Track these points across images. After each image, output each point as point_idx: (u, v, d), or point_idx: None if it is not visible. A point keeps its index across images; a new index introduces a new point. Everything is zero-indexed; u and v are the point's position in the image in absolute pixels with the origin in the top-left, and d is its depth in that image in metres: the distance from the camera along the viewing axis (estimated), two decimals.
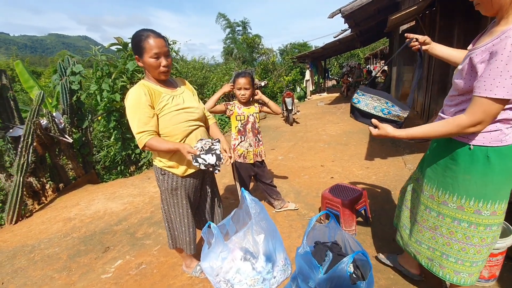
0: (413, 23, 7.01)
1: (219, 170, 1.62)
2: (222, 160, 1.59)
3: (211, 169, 1.59)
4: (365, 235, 2.27)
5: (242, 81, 2.34)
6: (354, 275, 1.47)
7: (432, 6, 5.05)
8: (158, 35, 1.55)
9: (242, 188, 1.87)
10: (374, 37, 14.14)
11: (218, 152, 1.59)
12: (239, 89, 2.35)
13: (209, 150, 1.58)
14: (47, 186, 4.08)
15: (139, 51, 1.55)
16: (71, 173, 4.93)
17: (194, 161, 1.55)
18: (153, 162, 1.76)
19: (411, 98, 1.43)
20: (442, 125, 1.14)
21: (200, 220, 2.02)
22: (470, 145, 1.13)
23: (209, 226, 1.71)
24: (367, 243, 2.17)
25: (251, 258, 1.77)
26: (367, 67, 22.31)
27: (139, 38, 1.53)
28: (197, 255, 2.04)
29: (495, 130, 1.09)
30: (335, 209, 2.27)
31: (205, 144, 1.62)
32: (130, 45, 5.77)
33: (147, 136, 1.55)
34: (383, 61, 21.93)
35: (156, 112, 1.61)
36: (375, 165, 3.83)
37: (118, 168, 6.59)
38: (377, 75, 15.25)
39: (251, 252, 1.79)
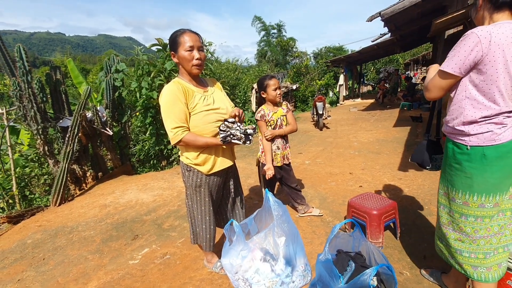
0: (460, 27, 6.51)
1: (250, 141, 1.68)
2: (251, 131, 1.67)
3: (247, 141, 1.66)
4: (393, 249, 2.16)
5: (274, 81, 2.39)
6: None
7: None
8: (193, 31, 1.65)
9: (266, 189, 1.88)
10: (416, 42, 13.36)
11: (240, 126, 1.67)
12: (275, 89, 2.39)
13: (232, 129, 1.66)
14: (88, 173, 4.42)
15: (175, 46, 1.63)
16: (109, 163, 5.30)
17: (236, 139, 1.63)
18: (180, 158, 1.83)
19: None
20: (429, 77, 1.41)
21: (221, 219, 2.05)
22: (467, 146, 1.29)
23: (231, 224, 1.74)
24: (394, 258, 2.06)
25: (271, 260, 1.77)
26: (406, 73, 21.09)
27: (175, 35, 1.63)
28: (218, 252, 2.09)
29: (487, 132, 1.24)
30: (361, 219, 2.18)
31: (225, 129, 1.67)
32: (167, 45, 6.10)
33: (183, 131, 1.61)
34: (425, 67, 20.63)
35: (189, 111, 1.67)
36: (409, 176, 3.62)
37: (151, 162, 6.96)
38: (417, 82, 14.43)
39: (271, 253, 1.79)
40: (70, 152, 3.79)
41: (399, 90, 13.76)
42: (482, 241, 1.33)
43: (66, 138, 3.81)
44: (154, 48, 6.38)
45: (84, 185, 4.35)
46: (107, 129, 4.70)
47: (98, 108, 4.64)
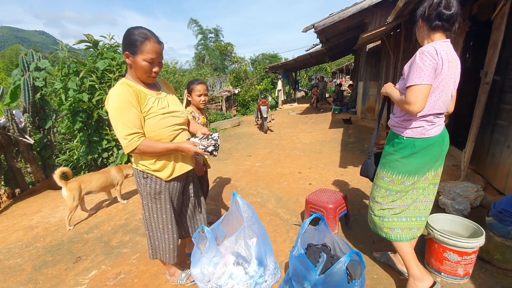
0: (379, 42, 7.61)
1: (215, 155, 1.65)
2: (218, 142, 1.66)
3: (211, 153, 1.62)
4: (347, 238, 2.38)
5: (202, 87, 2.31)
6: (347, 275, 1.53)
7: (398, 28, 5.55)
8: (159, 41, 1.50)
9: (234, 192, 1.87)
10: (342, 53, 15.04)
11: (216, 137, 1.67)
12: (200, 95, 2.31)
13: (207, 138, 1.66)
14: (2, 191, 3.66)
15: (133, 49, 1.46)
16: (29, 177, 4.49)
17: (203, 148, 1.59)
18: (133, 166, 1.68)
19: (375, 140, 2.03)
20: (399, 96, 1.56)
21: (182, 227, 1.94)
22: (403, 136, 1.59)
23: (201, 231, 1.68)
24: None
25: (244, 263, 1.76)
26: (333, 81, 23.54)
27: (138, 37, 1.44)
28: (180, 263, 1.97)
29: (419, 127, 1.54)
30: (319, 213, 2.34)
31: (201, 137, 1.68)
32: (98, 42, 5.52)
33: (139, 138, 1.48)
34: (348, 76, 23.36)
35: (142, 115, 1.54)
36: (349, 172, 4.04)
37: (82, 173, 6.13)
38: (344, 89, 16.21)
39: (243, 256, 1.78)
40: None
41: (327, 96, 15.35)
42: (398, 209, 1.68)
43: None
44: (76, 46, 5.70)
45: None
46: (27, 136, 3.98)
47: (14, 112, 3.89)
